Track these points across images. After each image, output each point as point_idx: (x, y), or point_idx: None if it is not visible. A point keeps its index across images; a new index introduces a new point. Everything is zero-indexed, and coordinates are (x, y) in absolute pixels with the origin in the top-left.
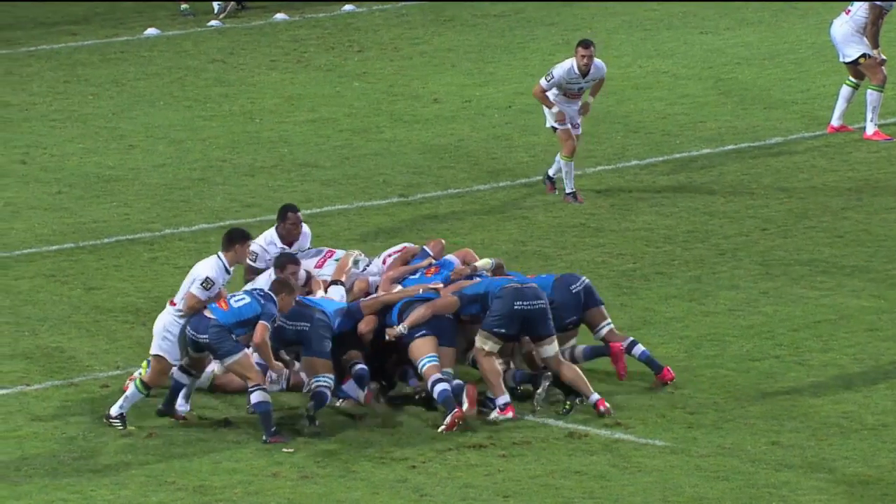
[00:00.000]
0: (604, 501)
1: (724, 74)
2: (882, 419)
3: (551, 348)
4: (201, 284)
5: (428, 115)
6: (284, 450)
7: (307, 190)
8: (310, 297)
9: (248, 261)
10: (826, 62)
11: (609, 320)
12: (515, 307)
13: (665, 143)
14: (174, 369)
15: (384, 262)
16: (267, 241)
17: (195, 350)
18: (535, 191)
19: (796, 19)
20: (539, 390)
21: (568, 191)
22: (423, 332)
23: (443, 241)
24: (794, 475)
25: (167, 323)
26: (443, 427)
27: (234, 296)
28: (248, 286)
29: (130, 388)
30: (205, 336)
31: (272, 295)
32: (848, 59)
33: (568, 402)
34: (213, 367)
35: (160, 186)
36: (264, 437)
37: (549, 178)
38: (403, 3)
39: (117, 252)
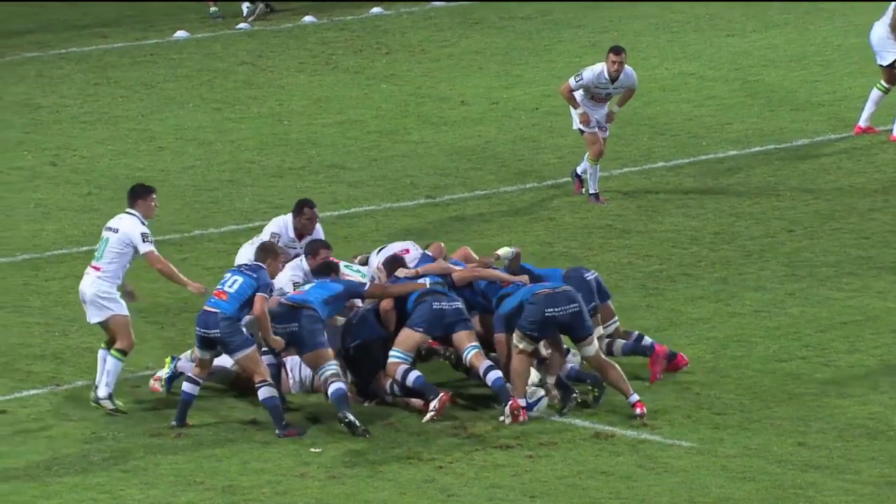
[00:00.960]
0: (630, 502)
1: (750, 76)
2: None
3: (591, 348)
4: (146, 240)
5: (455, 117)
6: (312, 450)
7: (335, 191)
8: (293, 293)
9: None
10: (852, 64)
11: (616, 318)
12: (547, 314)
13: (691, 144)
14: (184, 384)
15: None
16: (284, 225)
17: (205, 347)
18: (562, 192)
19: (823, 21)
20: (565, 409)
21: (591, 191)
22: (421, 328)
23: (442, 244)
24: (821, 476)
25: (98, 289)
26: (432, 413)
27: (226, 281)
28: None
29: (110, 362)
30: (216, 331)
31: (260, 265)
32: (884, 63)
33: (597, 390)
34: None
35: (189, 188)
36: (277, 432)
37: (577, 175)
38: (431, 5)
39: None
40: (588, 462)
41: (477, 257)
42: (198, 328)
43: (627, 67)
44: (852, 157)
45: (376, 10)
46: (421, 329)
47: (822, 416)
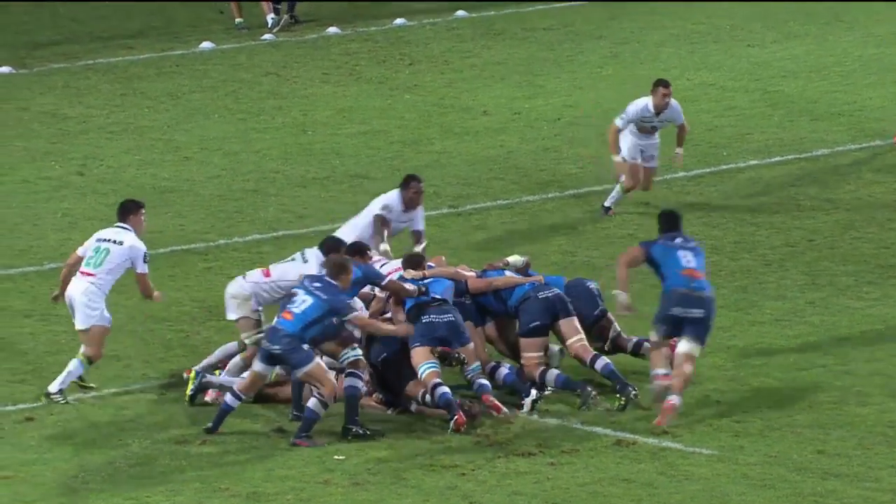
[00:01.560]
0: None
1: (770, 87)
2: None
3: (691, 350)
4: (146, 261)
5: (478, 127)
6: (336, 457)
7: (358, 201)
8: None
9: (381, 211)
10: (872, 74)
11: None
12: (671, 312)
13: (712, 154)
14: (226, 395)
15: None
16: (393, 200)
17: (268, 362)
18: (584, 202)
19: (842, 32)
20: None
21: (605, 204)
22: (417, 342)
23: (443, 258)
24: (841, 484)
25: (89, 298)
26: (452, 428)
27: (294, 302)
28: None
29: (73, 363)
30: (277, 347)
31: (331, 282)
32: None
33: (623, 399)
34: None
35: (214, 198)
36: (293, 440)
37: (606, 208)
38: (454, 16)
39: (172, 262)
40: (609, 469)
41: (470, 271)
42: (264, 343)
43: (673, 100)
44: (872, 167)
45: (400, 21)
46: (419, 344)
47: (842, 424)
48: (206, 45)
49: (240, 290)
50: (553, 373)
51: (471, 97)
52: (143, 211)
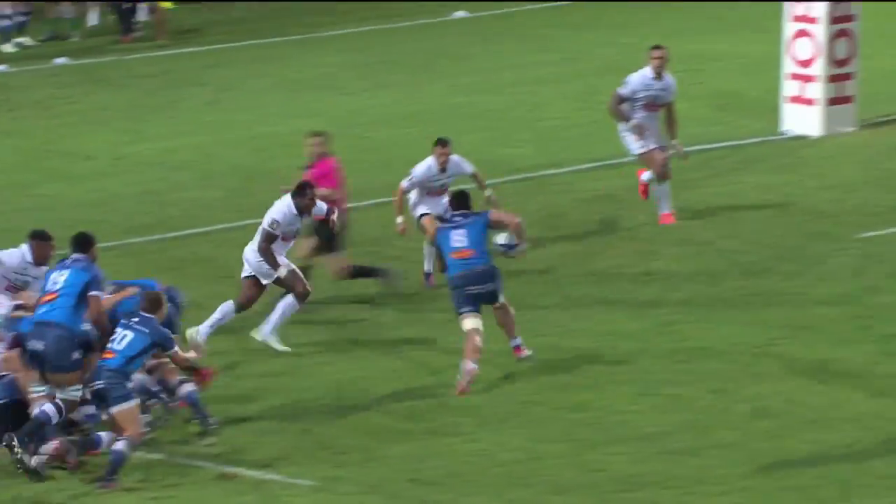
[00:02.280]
0: None
1: (365, 133)
2: (514, 455)
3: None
4: None
5: (81, 171)
6: None
7: None
8: None
9: (267, 227)
10: (459, 121)
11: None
12: (467, 291)
13: None
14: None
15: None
16: (284, 209)
17: (94, 397)
18: (187, 243)
19: (432, 82)
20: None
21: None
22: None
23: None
24: None
25: None
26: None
27: (113, 341)
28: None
29: None
30: (101, 382)
31: (148, 316)
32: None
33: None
34: None
35: None
36: (102, 479)
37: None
38: (55, 63)
39: None
40: (212, 502)
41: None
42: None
43: (453, 156)
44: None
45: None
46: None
47: (435, 454)
48: None
49: None
50: (186, 387)
51: (73, 142)
52: None
